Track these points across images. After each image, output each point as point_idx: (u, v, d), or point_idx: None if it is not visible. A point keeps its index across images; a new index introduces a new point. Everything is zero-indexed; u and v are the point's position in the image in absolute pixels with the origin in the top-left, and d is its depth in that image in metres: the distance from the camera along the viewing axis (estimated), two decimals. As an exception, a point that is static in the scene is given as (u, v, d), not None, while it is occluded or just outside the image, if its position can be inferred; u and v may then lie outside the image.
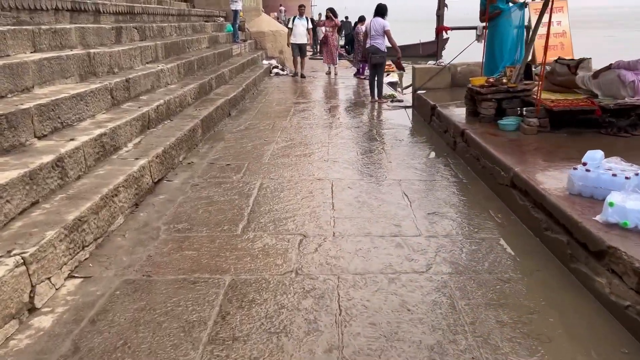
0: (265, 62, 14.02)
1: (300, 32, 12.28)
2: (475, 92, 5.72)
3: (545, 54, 5.02)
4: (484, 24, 7.88)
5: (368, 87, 11.18)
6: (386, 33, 8.69)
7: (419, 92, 7.90)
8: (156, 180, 4.52)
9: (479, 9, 7.16)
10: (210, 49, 10.70)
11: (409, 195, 4.34)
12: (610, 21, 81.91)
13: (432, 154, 5.66)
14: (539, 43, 6.65)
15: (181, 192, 4.44)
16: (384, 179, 4.81)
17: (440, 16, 7.91)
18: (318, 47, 27.40)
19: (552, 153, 4.46)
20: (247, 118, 7.77)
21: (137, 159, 4.34)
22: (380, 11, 8.82)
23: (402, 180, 4.72)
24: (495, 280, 2.96)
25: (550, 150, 4.55)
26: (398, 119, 7.66)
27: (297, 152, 5.74)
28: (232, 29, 13.58)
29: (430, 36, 34.35)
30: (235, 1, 12.93)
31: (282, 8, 35.43)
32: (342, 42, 30.53)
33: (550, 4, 5.50)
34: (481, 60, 8.03)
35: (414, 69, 8.20)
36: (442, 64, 8.01)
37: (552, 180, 3.68)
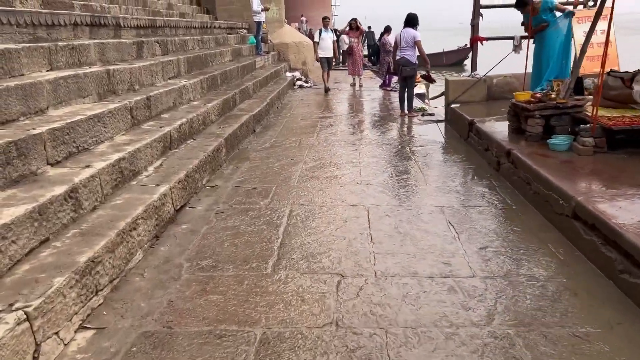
0: (288, 74, 13.74)
1: (328, 46, 11.95)
2: (521, 108, 5.28)
3: (602, 66, 4.56)
4: (522, 34, 7.45)
5: (395, 99, 10.81)
6: (417, 44, 8.31)
7: (452, 105, 7.48)
8: (178, 207, 4.19)
9: (521, 21, 6.74)
10: (234, 62, 10.44)
11: (455, 225, 3.92)
12: None
13: (471, 177, 5.23)
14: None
15: (205, 220, 4.09)
16: (424, 205, 4.39)
17: (475, 26, 7.48)
18: (340, 57, 27.22)
19: (616, 178, 3.99)
20: (272, 135, 7.44)
21: (157, 185, 4.01)
22: (411, 21, 8.45)
23: (444, 207, 4.30)
24: (570, 336, 2.52)
25: (613, 174, 4.09)
26: (431, 135, 7.24)
27: (327, 173, 5.37)
28: (255, 40, 13.34)
29: (454, 45, 33.79)
30: (259, 12, 12.70)
31: (304, 18, 35.36)
32: (365, 52, 30.29)
33: (600, 11, 5.06)
34: (520, 72, 7.60)
35: (447, 82, 7.78)
36: (477, 76, 7.57)
37: (624, 213, 3.22)
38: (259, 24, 12.86)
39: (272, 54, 14.56)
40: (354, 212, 4.22)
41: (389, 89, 12.59)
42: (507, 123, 5.82)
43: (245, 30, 14.50)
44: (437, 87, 12.99)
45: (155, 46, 7.30)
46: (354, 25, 12.41)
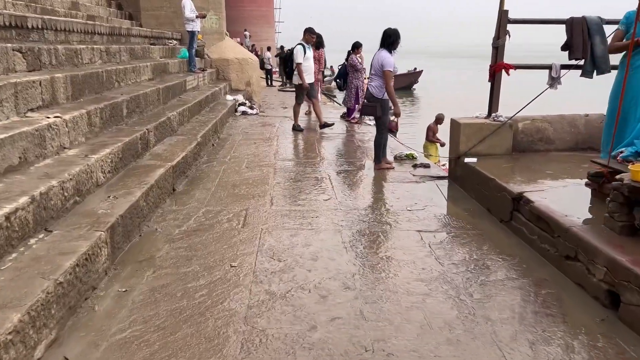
0: (229, 97, 11.15)
1: (311, 68, 9.04)
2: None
3: None
4: (562, 62, 5.34)
5: (363, 135, 8.48)
6: (384, 74, 5.96)
7: (467, 160, 5.19)
8: None
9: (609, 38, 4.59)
10: (155, 82, 7.76)
11: None
12: None
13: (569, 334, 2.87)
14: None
15: None
16: None
17: (499, 48, 5.26)
18: (283, 76, 24.88)
19: None
20: (200, 199, 4.84)
21: None
22: (385, 40, 6.12)
23: None
24: None
25: None
26: (438, 208, 4.85)
27: (304, 309, 2.85)
28: (187, 54, 10.68)
29: (404, 67, 32.09)
30: (192, 20, 10.07)
31: (247, 33, 32.87)
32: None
33: None
34: (555, 114, 5.52)
35: (456, 124, 5.50)
36: (499, 118, 5.34)
37: None
38: (192, 34, 10.22)
39: (209, 71, 11.93)
40: None
41: (352, 120, 10.28)
42: (581, 201, 3.58)
43: (176, 42, 11.80)
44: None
45: (13, 57, 4.56)
46: (312, 40, 9.99)
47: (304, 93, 9.02)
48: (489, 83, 5.55)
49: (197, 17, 10.03)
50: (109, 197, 3.82)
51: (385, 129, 6.31)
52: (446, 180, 5.75)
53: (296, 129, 8.86)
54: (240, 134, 8.52)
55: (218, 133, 8.16)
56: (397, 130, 9.95)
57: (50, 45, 5.41)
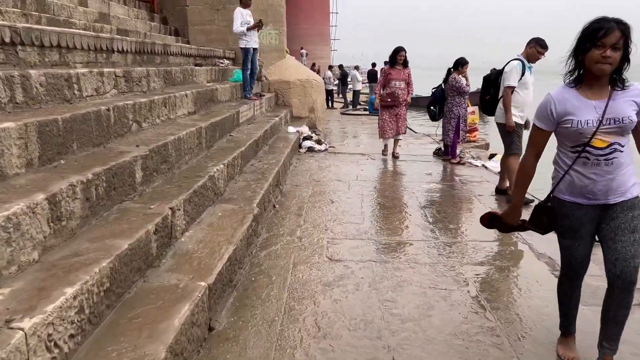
0: (291, 129, 8.95)
1: (528, 98, 5.85)
2: None
3: None
4: None
5: (479, 184, 5.93)
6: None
7: None
8: None
9: None
10: (197, 117, 5.65)
11: None
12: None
13: None
14: None
15: None
16: None
17: None
18: (345, 97, 22.64)
19: None
20: (257, 351, 2.55)
21: None
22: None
23: None
24: None
25: None
26: None
27: None
28: (241, 76, 8.60)
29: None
30: (245, 35, 7.98)
31: (304, 51, 31.02)
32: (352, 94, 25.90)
33: None
34: None
35: None
36: None
37: None
38: (245, 51, 8.12)
39: (267, 96, 9.82)
40: None
41: (455, 161, 7.81)
42: None
43: (228, 61, 9.77)
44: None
45: None
46: (400, 59, 7.68)
47: (515, 137, 5.46)
48: None
49: (248, 29, 7.91)
50: None
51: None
52: None
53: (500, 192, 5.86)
54: (309, 184, 6.24)
55: (280, 185, 5.92)
56: None
57: (17, 70, 3.31)
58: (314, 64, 27.03)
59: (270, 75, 11.11)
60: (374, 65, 22.12)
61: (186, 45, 7.93)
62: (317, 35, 43.42)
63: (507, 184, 5.61)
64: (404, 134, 8.28)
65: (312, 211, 5.11)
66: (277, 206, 5.24)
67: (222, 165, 4.59)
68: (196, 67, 7.14)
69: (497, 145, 10.91)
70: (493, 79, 5.52)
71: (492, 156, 8.31)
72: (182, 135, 4.40)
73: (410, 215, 5.07)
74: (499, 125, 5.49)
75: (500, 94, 5.36)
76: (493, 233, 4.30)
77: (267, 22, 11.14)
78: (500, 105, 5.41)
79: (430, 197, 5.79)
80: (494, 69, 6.36)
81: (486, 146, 11.74)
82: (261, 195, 4.61)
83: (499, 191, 5.76)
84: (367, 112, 17.61)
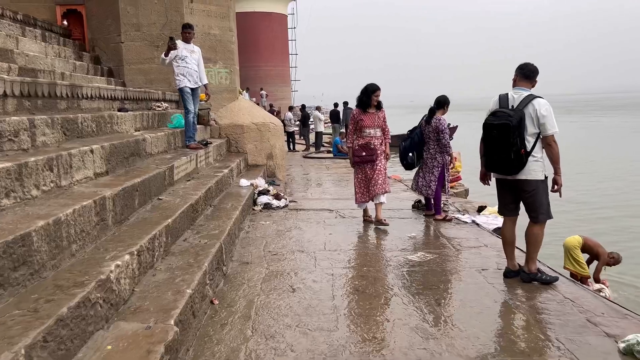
0: (244, 182, 7.53)
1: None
2: None
3: None
4: None
5: (478, 254, 4.54)
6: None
7: None
8: None
9: None
10: (108, 179, 4.21)
11: None
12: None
13: None
14: None
15: None
16: None
17: None
18: (307, 139, 21.40)
19: None
20: None
21: None
22: None
23: None
24: None
25: None
26: None
27: None
28: (182, 121, 7.20)
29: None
30: (182, 75, 6.66)
31: (264, 92, 30.00)
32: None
33: None
34: None
35: None
36: None
37: None
38: (181, 92, 6.79)
39: (216, 143, 8.41)
40: None
41: (439, 217, 6.54)
42: None
43: (167, 105, 8.34)
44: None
45: None
46: (375, 101, 6.31)
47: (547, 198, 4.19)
48: None
49: (166, 54, 6.62)
50: None
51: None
52: None
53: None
54: (263, 260, 4.80)
55: (224, 266, 4.45)
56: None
57: None
58: (271, 105, 25.89)
59: (221, 119, 9.75)
60: (336, 105, 21.16)
61: (108, 87, 6.49)
62: (277, 77, 42.78)
63: (531, 264, 4.25)
64: (388, 192, 6.35)
65: (265, 309, 3.66)
66: (215, 302, 3.77)
67: (127, 257, 3.12)
68: (118, 113, 5.69)
69: (476, 189, 9.75)
70: (516, 124, 4.02)
71: (481, 209, 7.10)
72: (65, 216, 2.94)
73: (400, 308, 3.68)
74: (527, 183, 4.11)
75: (531, 145, 4.02)
76: (523, 343, 2.95)
77: (217, 59, 9.87)
78: (537, 157, 4.07)
79: (421, 276, 4.42)
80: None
81: (465, 193, 10.62)
82: (187, 297, 3.15)
83: (510, 273, 4.37)
84: (332, 155, 16.41)
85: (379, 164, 6.15)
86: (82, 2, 9.65)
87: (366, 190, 6.23)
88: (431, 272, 4.50)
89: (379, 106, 6.24)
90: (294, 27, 44.84)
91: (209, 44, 9.64)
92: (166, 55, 6.72)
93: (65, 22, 9.68)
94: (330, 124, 21.79)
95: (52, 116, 4.15)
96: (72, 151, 3.79)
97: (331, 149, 17.42)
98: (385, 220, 6.16)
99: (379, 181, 6.14)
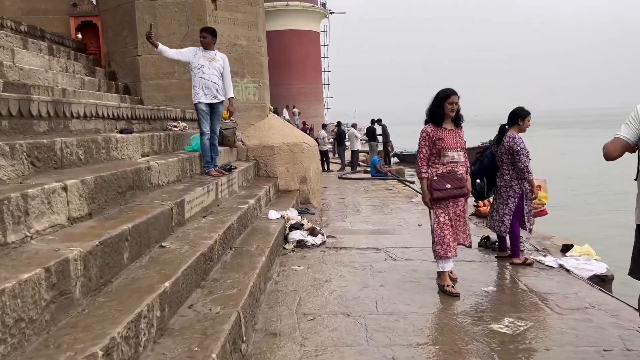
0: (272, 214, 6.36)
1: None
2: None
3: None
4: None
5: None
6: None
7: None
8: None
9: None
10: (83, 229, 3.09)
11: None
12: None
13: None
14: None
15: None
16: None
17: None
18: (342, 158, 20.11)
19: None
20: None
21: None
22: None
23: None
24: None
25: None
26: None
27: None
28: (199, 144, 6.12)
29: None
30: (197, 87, 5.62)
31: (296, 110, 29.06)
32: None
33: None
34: None
35: None
36: None
37: None
38: (200, 110, 5.76)
39: (242, 168, 7.31)
40: None
41: (518, 261, 5.20)
42: None
43: (185, 124, 7.28)
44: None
45: None
46: (452, 110, 4.63)
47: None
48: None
49: (208, 66, 5.57)
50: None
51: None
52: None
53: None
54: (295, 331, 3.58)
55: (242, 342, 3.25)
56: None
57: None
58: (304, 123, 24.79)
59: (249, 140, 8.67)
60: (372, 122, 19.93)
61: (109, 103, 5.45)
62: (310, 94, 41.91)
63: None
64: (469, 246, 4.74)
65: None
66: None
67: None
68: (118, 135, 4.62)
69: (547, 219, 8.05)
70: None
71: (566, 248, 5.71)
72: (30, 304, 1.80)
73: None
74: None
75: None
76: None
77: (244, 73, 8.84)
78: None
79: None
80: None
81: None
82: None
83: None
84: (370, 176, 15.16)
85: (462, 204, 4.58)
86: (98, 13, 8.81)
87: (453, 240, 4.50)
88: (532, 355, 3.19)
89: (457, 120, 4.54)
90: (327, 45, 44.02)
91: (235, 55, 8.61)
92: (155, 46, 5.78)
93: (79, 35, 8.85)
94: (367, 142, 20.58)
95: (12, 142, 3.07)
96: (29, 191, 2.69)
97: (368, 169, 16.19)
98: (455, 275, 4.79)
99: (468, 229, 4.64)
